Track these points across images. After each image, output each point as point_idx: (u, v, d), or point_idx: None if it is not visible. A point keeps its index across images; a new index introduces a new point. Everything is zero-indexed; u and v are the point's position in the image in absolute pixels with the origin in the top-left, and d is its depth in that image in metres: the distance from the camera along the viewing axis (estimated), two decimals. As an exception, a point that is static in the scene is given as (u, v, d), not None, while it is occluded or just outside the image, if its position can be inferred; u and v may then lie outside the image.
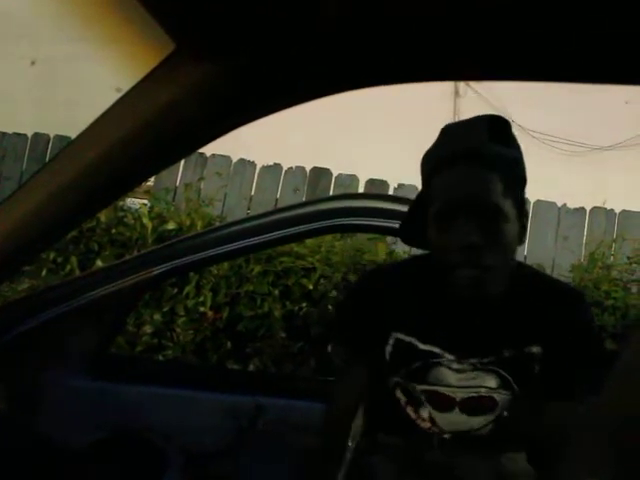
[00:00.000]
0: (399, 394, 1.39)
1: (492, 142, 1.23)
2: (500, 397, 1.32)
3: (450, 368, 1.32)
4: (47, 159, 5.27)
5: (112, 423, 1.79)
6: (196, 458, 1.82)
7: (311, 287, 3.17)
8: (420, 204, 1.32)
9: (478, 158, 1.22)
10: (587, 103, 5.33)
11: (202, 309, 3.14)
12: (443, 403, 1.33)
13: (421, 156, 1.34)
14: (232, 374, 2.68)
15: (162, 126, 0.85)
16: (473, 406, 1.33)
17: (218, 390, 1.93)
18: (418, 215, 1.32)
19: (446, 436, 1.35)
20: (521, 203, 1.28)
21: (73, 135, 0.94)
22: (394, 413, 1.39)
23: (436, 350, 1.32)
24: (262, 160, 5.22)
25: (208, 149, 4.96)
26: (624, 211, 4.99)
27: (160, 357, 3.11)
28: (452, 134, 1.30)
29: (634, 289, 3.50)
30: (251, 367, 3.14)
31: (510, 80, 0.81)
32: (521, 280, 1.33)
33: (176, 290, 3.17)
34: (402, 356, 1.35)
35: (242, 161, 5.22)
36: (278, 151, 5.18)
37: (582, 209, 4.98)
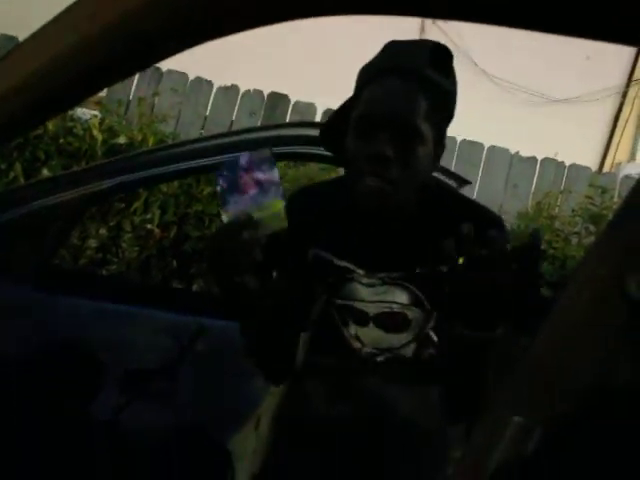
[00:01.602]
0: (335, 314, 1.41)
1: (430, 67, 1.23)
2: (412, 314, 1.34)
3: (361, 283, 1.34)
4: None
5: (52, 335, 1.78)
6: (135, 374, 1.83)
7: (261, 212, 3.16)
8: (345, 111, 1.31)
9: (411, 76, 1.22)
10: (550, 55, 5.35)
11: (149, 226, 3.11)
12: (359, 317, 1.36)
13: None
14: (175, 293, 2.69)
15: (121, 34, 0.81)
16: (386, 321, 1.35)
17: (160, 308, 1.94)
18: (341, 121, 1.31)
19: (379, 359, 1.38)
20: (441, 133, 1.29)
21: (21, 36, 0.90)
22: (331, 334, 1.42)
23: (350, 265, 1.34)
24: (220, 80, 5.11)
25: (164, 64, 4.82)
26: (573, 165, 5.10)
27: (104, 272, 3.08)
28: (393, 50, 1.29)
29: (574, 241, 3.61)
30: (195, 287, 3.15)
31: (477, 22, 0.80)
32: (438, 201, 1.34)
33: (123, 205, 3.13)
34: (321, 272, 1.37)
35: (199, 79, 5.11)
36: (236, 72, 5.08)
37: (534, 158, 5.06)
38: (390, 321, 1.35)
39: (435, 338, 1.38)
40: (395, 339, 1.36)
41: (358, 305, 1.35)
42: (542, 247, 3.32)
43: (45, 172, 3.15)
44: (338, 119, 1.33)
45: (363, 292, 1.35)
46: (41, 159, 3.25)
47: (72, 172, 1.94)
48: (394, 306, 1.34)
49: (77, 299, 1.86)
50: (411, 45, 1.28)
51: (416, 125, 1.21)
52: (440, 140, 1.29)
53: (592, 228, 3.60)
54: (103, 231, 3.09)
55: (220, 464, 1.93)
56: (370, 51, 1.32)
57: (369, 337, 1.37)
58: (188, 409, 1.90)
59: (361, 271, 1.34)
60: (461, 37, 5.91)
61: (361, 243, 1.34)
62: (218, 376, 1.89)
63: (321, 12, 0.79)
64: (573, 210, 3.80)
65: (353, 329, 1.38)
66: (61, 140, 3.29)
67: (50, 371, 1.75)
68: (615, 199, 3.93)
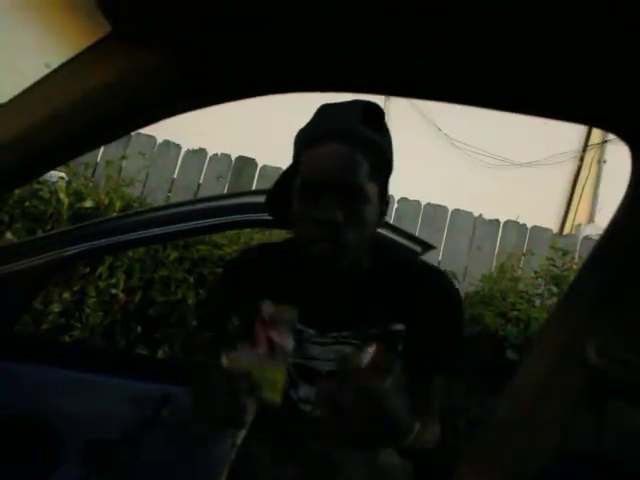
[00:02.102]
0: None
1: (363, 125, 1.26)
2: None
3: (312, 342, 1.34)
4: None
5: (12, 404, 1.74)
6: (97, 445, 1.78)
7: (227, 277, 3.15)
8: (286, 178, 1.33)
9: (347, 138, 1.24)
10: (510, 120, 5.51)
11: (114, 291, 3.08)
12: (310, 376, 1.36)
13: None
14: (140, 360, 2.64)
15: (91, 108, 0.83)
16: None
17: (124, 376, 1.91)
18: (284, 189, 1.34)
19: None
20: (384, 189, 1.32)
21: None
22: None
23: (300, 326, 1.34)
24: (188, 143, 5.16)
25: (133, 127, 4.84)
26: (535, 226, 5.20)
27: (67, 338, 3.03)
28: (326, 113, 1.33)
29: (537, 302, 3.65)
30: (160, 354, 3.10)
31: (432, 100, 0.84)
32: (387, 260, 1.37)
33: (88, 270, 3.10)
34: None
35: (167, 143, 5.14)
36: (204, 135, 5.13)
37: (497, 221, 5.15)
38: None
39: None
40: None
41: (310, 364, 1.36)
42: (506, 310, 3.36)
43: (9, 235, 3.11)
44: (281, 186, 1.36)
45: (315, 351, 1.35)
46: (5, 222, 3.22)
47: (37, 238, 1.92)
48: None
49: (39, 367, 1.82)
50: (344, 107, 1.31)
51: (361, 186, 1.24)
52: (383, 196, 1.33)
53: (554, 289, 3.65)
54: (67, 295, 3.05)
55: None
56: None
57: None
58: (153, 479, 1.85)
59: (312, 331, 1.34)
60: (425, 103, 6.07)
61: (312, 304, 1.34)
62: (183, 446, 1.85)
63: (286, 90, 0.82)
64: (535, 272, 3.85)
65: (302, 390, 1.37)
66: (27, 203, 3.27)
67: (10, 442, 1.70)
68: (576, 260, 4.00)
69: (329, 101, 1.35)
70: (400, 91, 0.80)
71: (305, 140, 1.30)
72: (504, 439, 0.92)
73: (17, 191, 3.24)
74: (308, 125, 1.34)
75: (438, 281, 1.40)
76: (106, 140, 0.92)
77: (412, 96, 0.79)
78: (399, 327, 1.34)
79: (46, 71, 0.87)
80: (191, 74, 0.80)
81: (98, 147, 0.97)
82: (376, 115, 1.31)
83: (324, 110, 1.34)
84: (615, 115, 0.75)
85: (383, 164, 1.31)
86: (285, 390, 1.39)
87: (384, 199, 1.34)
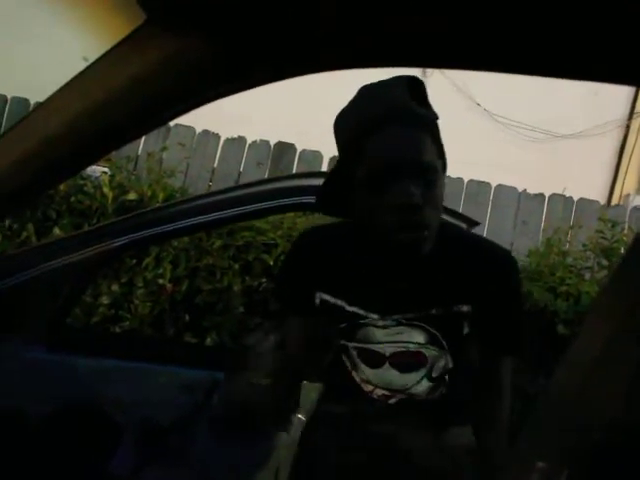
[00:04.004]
0: (345, 358, 1.41)
1: (417, 103, 1.21)
2: (429, 352, 1.33)
3: (375, 326, 1.33)
4: (4, 119, 5.15)
5: (67, 395, 1.77)
6: (151, 432, 1.81)
7: (271, 263, 3.18)
8: (343, 169, 1.27)
9: (407, 118, 1.19)
10: (550, 91, 5.39)
11: (161, 281, 3.12)
12: (373, 359, 1.35)
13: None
14: (189, 348, 2.68)
15: (131, 98, 0.83)
16: (402, 361, 1.34)
17: (175, 364, 1.93)
18: (339, 182, 1.28)
19: (391, 402, 1.37)
20: (445, 162, 1.28)
21: (32, 98, 0.92)
22: (341, 379, 1.41)
23: (360, 312, 1.33)
24: (226, 132, 5.18)
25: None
26: (582, 199, 5.09)
27: (117, 329, 3.08)
28: (372, 95, 1.25)
29: (587, 276, 3.58)
30: (208, 341, 3.14)
31: (476, 70, 0.82)
32: (451, 239, 1.33)
33: (135, 261, 3.15)
34: (331, 317, 1.37)
35: (206, 132, 5.18)
36: (242, 123, 5.15)
37: (541, 195, 5.07)
38: (405, 360, 1.34)
39: (448, 378, 1.38)
40: (409, 378, 1.36)
41: (373, 347, 1.35)
42: (555, 285, 3.31)
43: (57, 231, 3.18)
44: (338, 179, 1.30)
45: (378, 334, 1.34)
46: (52, 218, 3.29)
47: (83, 232, 1.95)
48: (410, 346, 1.33)
49: (91, 358, 1.86)
50: (389, 85, 1.23)
51: (433, 166, 1.21)
52: (445, 170, 1.29)
53: (604, 262, 3.57)
54: (115, 287, 3.10)
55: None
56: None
57: (382, 378, 1.36)
58: (205, 465, 1.88)
59: (375, 316, 1.33)
60: (462, 78, 5.98)
61: (374, 288, 1.33)
62: (235, 430, 1.87)
63: (321, 68, 0.81)
64: (584, 245, 3.77)
65: (364, 372, 1.37)
66: (72, 198, 3.33)
67: (66, 432, 1.74)
68: (626, 231, 3.90)
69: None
70: (444, 62, 0.78)
71: (357, 125, 1.22)
72: (560, 414, 0.90)
73: (62, 187, 3.30)
74: (352, 109, 1.26)
75: (504, 261, 1.37)
76: (146, 130, 0.92)
77: (450, 67, 0.77)
78: (464, 308, 1.31)
79: (84, 64, 0.88)
80: (227, 58, 0.79)
81: (139, 137, 0.98)
82: (421, 90, 1.24)
83: (367, 91, 1.26)
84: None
85: (439, 138, 1.26)
86: (348, 371, 1.40)
87: (445, 173, 1.29)
